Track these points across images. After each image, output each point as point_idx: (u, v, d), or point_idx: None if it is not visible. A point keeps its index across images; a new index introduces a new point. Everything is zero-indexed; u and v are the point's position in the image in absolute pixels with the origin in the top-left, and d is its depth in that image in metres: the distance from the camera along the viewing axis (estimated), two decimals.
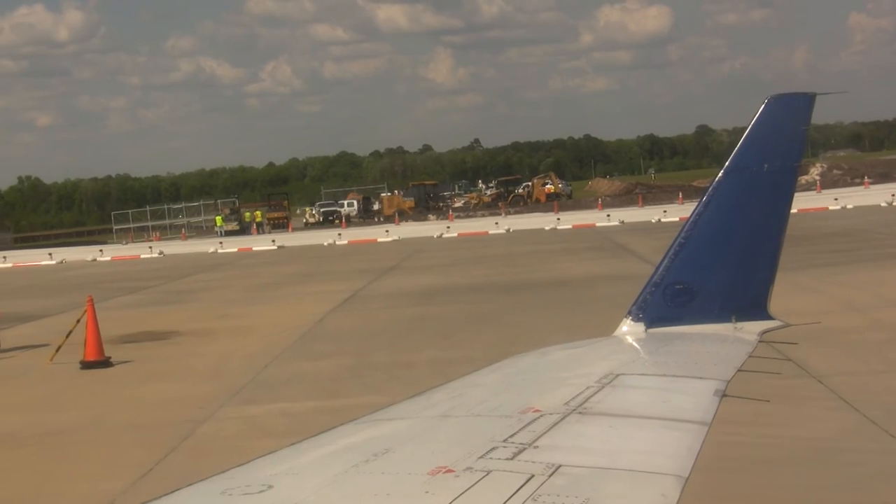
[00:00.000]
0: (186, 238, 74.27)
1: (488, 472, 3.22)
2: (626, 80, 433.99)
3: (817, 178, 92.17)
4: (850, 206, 52.25)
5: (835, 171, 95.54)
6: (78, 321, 20.38)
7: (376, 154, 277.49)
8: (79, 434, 14.57)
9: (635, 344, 5.85)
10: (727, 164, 6.38)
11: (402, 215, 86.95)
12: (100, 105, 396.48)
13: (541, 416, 3.96)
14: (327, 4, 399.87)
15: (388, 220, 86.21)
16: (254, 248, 59.38)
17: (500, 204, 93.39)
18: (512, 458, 3.37)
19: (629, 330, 5.98)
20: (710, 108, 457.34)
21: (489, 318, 22.14)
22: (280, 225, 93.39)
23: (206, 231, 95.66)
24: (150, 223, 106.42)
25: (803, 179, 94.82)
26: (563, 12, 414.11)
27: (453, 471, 3.24)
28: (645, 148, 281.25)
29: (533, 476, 3.18)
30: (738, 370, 5.09)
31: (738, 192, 6.28)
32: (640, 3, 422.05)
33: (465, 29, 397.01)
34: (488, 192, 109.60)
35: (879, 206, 51.48)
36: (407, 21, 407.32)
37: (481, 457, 3.39)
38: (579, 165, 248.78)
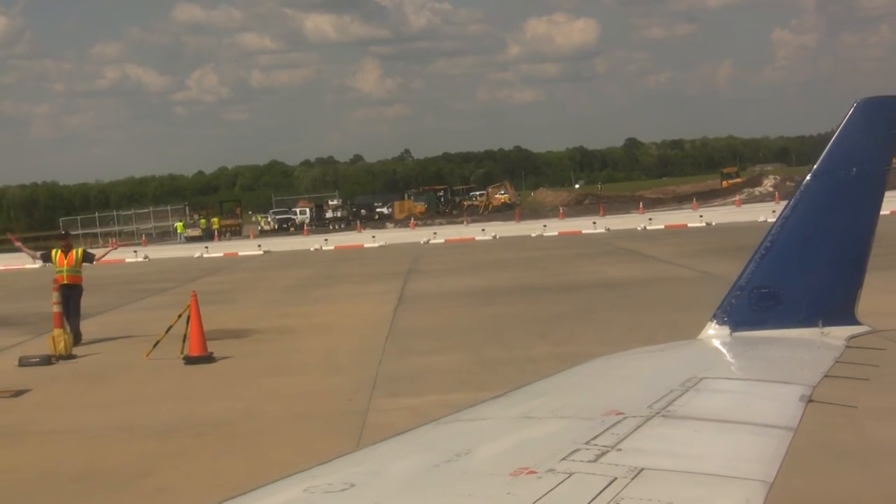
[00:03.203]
0: (147, 244, 73.43)
1: (570, 474, 3.19)
2: (554, 93, 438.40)
3: (771, 189, 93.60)
4: None
5: (788, 183, 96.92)
6: (179, 316, 20.27)
7: (307, 163, 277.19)
8: (246, 424, 14.51)
9: (720, 347, 5.79)
10: (815, 167, 6.28)
11: (413, 219, 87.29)
12: (23, 111, 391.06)
13: (624, 418, 3.93)
14: (255, 13, 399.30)
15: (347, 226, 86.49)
16: (240, 253, 59.11)
17: (457, 213, 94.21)
18: (594, 461, 3.35)
19: (714, 333, 5.90)
20: (637, 120, 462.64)
21: (574, 317, 22.30)
22: (234, 232, 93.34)
23: (163, 237, 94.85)
24: (98, 230, 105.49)
25: (757, 191, 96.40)
26: (490, 24, 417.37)
27: (535, 472, 3.21)
28: (575, 160, 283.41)
29: (616, 479, 3.16)
30: (825, 375, 5.03)
31: (825, 196, 6.17)
32: (566, 16, 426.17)
33: (393, 39, 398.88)
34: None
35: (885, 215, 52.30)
36: (334, 31, 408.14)
37: (563, 458, 3.36)
38: (510, 177, 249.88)
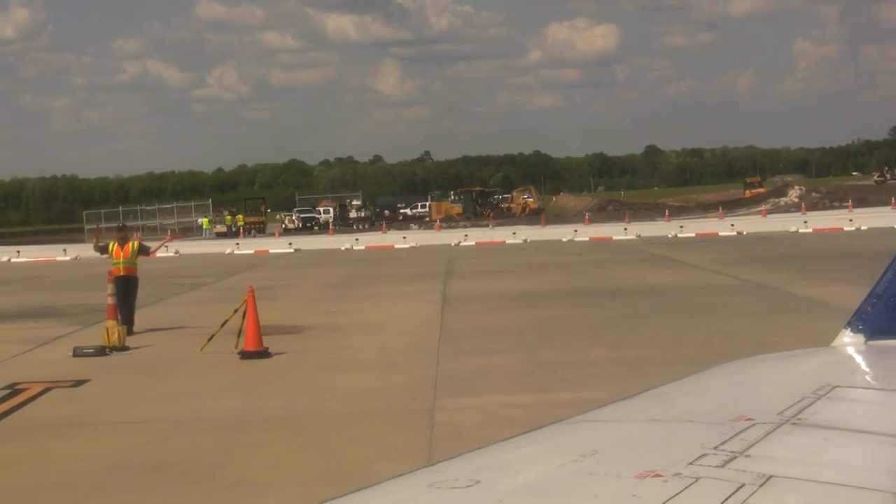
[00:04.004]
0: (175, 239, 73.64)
1: (697, 479, 3.14)
2: (573, 98, 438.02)
3: (796, 199, 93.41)
4: (864, 228, 53.15)
5: (813, 195, 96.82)
6: (236, 311, 20.30)
7: (326, 163, 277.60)
8: (313, 420, 14.52)
9: (854, 356, 5.58)
10: None
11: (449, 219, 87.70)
12: (43, 104, 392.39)
13: (753, 424, 3.82)
14: (276, 12, 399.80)
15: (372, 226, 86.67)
16: (270, 251, 59.23)
17: (489, 215, 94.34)
18: (722, 466, 3.29)
19: (848, 341, 5.67)
20: (657, 128, 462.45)
21: (624, 322, 22.29)
22: (258, 229, 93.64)
23: (186, 233, 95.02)
24: (122, 224, 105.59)
25: (782, 201, 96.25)
26: (511, 28, 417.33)
27: (662, 475, 3.16)
28: (595, 166, 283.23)
29: (743, 485, 3.10)
30: None
31: None
32: (588, 21, 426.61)
33: (413, 41, 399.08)
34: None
35: (893, 227, 52.35)
36: (356, 31, 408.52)
37: (690, 463, 3.29)
38: (529, 181, 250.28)
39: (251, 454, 12.80)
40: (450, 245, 57.29)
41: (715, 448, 3.49)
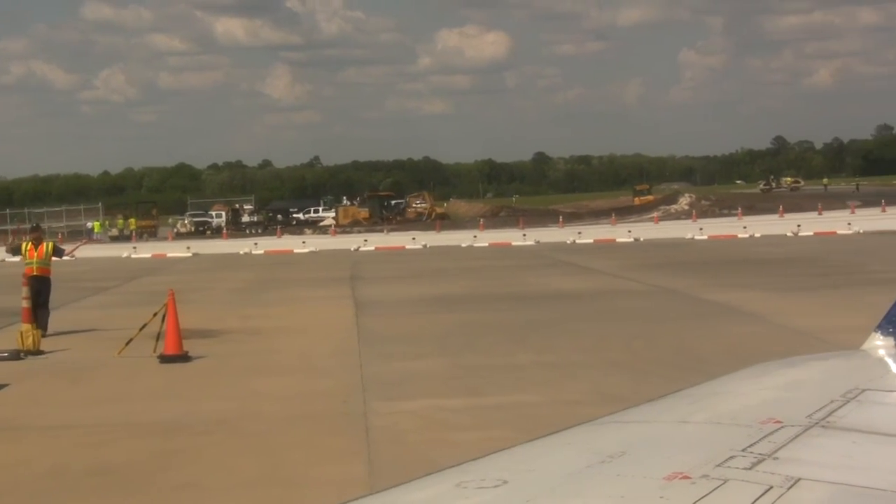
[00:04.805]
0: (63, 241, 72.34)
1: (725, 481, 3.12)
2: (464, 105, 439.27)
3: (686, 207, 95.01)
4: (758, 235, 54.28)
5: (703, 202, 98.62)
6: (155, 314, 20.07)
7: (215, 167, 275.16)
8: (249, 424, 14.39)
9: (885, 359, 5.46)
10: None
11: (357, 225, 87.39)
12: None
13: (781, 427, 3.79)
14: (165, 14, 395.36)
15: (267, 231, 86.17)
16: (168, 255, 58.58)
17: (397, 220, 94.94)
18: (750, 468, 3.26)
19: (879, 344, 5.58)
20: (546, 135, 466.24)
21: (543, 327, 22.39)
22: (150, 233, 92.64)
23: (74, 237, 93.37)
24: (9, 227, 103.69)
25: (673, 208, 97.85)
26: (402, 34, 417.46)
27: (689, 477, 3.15)
28: (484, 172, 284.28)
29: (771, 487, 3.08)
30: None
31: None
32: (478, 29, 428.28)
33: (304, 46, 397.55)
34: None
35: (786, 235, 53.53)
36: (245, 35, 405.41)
37: (719, 465, 3.28)
38: (419, 187, 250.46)
39: (191, 458, 12.69)
40: (349, 250, 57.17)
41: (743, 450, 3.47)
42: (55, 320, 24.28)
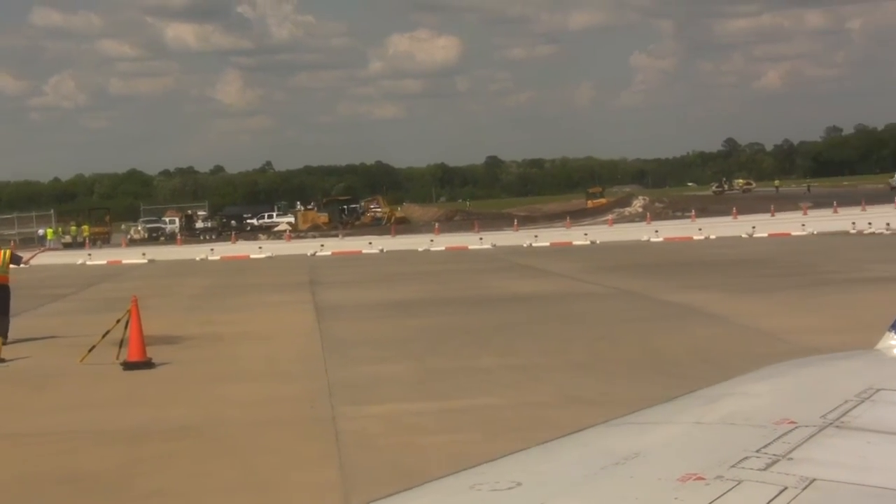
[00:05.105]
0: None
1: (739, 482, 3.12)
2: (416, 109, 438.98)
3: (640, 209, 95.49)
4: (713, 237, 54.69)
5: (656, 205, 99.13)
6: (119, 321, 19.97)
7: (166, 173, 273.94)
8: (216, 430, 14.36)
9: None
10: None
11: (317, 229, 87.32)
12: None
13: (795, 427, 3.78)
14: (115, 20, 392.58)
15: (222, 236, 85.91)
16: (124, 261, 58.30)
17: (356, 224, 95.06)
18: (765, 469, 3.26)
19: (893, 344, 5.60)
20: (498, 139, 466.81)
21: (506, 330, 22.40)
22: (103, 240, 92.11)
23: (26, 244, 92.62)
24: None
25: (626, 211, 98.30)
26: (353, 39, 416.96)
27: (704, 478, 3.15)
28: (436, 176, 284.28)
29: (786, 488, 3.07)
30: None
31: None
32: (429, 33, 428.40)
33: (255, 51, 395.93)
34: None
35: (740, 237, 53.95)
36: (196, 40, 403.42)
37: (733, 466, 3.27)
38: (372, 191, 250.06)
39: (162, 464, 12.63)
40: (306, 255, 57.05)
41: (758, 451, 3.46)
42: (16, 328, 24.12)
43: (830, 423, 3.89)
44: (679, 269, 36.09)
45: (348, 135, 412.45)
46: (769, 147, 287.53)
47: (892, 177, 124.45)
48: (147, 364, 19.34)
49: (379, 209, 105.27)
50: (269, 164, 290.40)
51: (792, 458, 3.39)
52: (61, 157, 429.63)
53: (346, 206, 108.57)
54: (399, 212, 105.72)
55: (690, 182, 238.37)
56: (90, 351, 20.01)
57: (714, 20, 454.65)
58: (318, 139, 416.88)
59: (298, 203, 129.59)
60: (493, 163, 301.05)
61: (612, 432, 4.07)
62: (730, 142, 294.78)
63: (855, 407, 4.18)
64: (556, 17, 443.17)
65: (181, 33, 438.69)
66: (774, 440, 3.60)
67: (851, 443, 3.69)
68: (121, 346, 19.63)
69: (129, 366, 19.19)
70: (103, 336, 20.00)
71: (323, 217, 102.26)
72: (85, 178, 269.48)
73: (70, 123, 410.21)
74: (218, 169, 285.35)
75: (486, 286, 33.46)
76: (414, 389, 16.54)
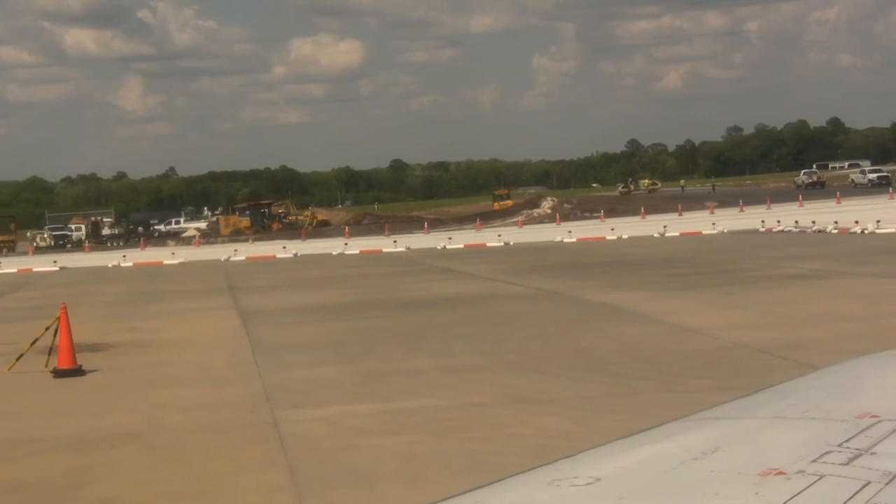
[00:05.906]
0: None
1: (821, 477, 3.09)
2: (319, 113, 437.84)
3: (549, 211, 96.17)
4: (625, 237, 55.27)
5: (565, 206, 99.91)
6: (47, 328, 19.71)
7: (68, 180, 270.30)
8: (158, 436, 14.23)
9: None
10: None
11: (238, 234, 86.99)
12: None
13: (878, 421, 3.70)
14: (12, 26, 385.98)
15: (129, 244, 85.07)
16: (35, 269, 57.43)
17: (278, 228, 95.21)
18: (847, 464, 3.22)
19: None
20: (402, 142, 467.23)
21: (435, 332, 22.37)
22: (9, 248, 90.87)
23: None
24: None
25: (535, 212, 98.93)
26: (256, 44, 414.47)
27: (784, 473, 3.13)
28: (342, 180, 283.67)
29: (869, 483, 3.03)
30: None
31: None
32: (332, 37, 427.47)
33: (156, 57, 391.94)
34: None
35: (653, 236, 54.56)
36: (96, 46, 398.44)
37: (814, 460, 3.24)
38: (278, 196, 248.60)
39: (107, 472, 12.50)
40: (220, 260, 56.67)
41: (839, 445, 3.43)
42: None
43: None
44: (598, 269, 36.38)
45: (252, 140, 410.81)
46: (672, 147, 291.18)
47: (798, 175, 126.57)
48: (78, 371, 19.13)
49: (291, 215, 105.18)
50: (172, 169, 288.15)
51: (875, 453, 3.36)
52: None
53: (266, 210, 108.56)
54: (322, 215, 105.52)
55: (595, 183, 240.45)
56: (18, 359, 19.72)
57: (615, 22, 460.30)
58: (222, 144, 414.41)
59: (206, 209, 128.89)
60: (398, 166, 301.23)
61: (690, 428, 4.07)
62: (633, 142, 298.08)
63: None
64: (459, 20, 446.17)
65: (80, 39, 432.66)
66: (857, 434, 3.57)
67: None
68: (49, 354, 19.39)
69: (59, 373, 18.96)
70: (32, 344, 19.75)
71: (245, 221, 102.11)
72: None
73: None
74: (121, 175, 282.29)
75: (407, 289, 33.49)
76: (352, 392, 16.49)
